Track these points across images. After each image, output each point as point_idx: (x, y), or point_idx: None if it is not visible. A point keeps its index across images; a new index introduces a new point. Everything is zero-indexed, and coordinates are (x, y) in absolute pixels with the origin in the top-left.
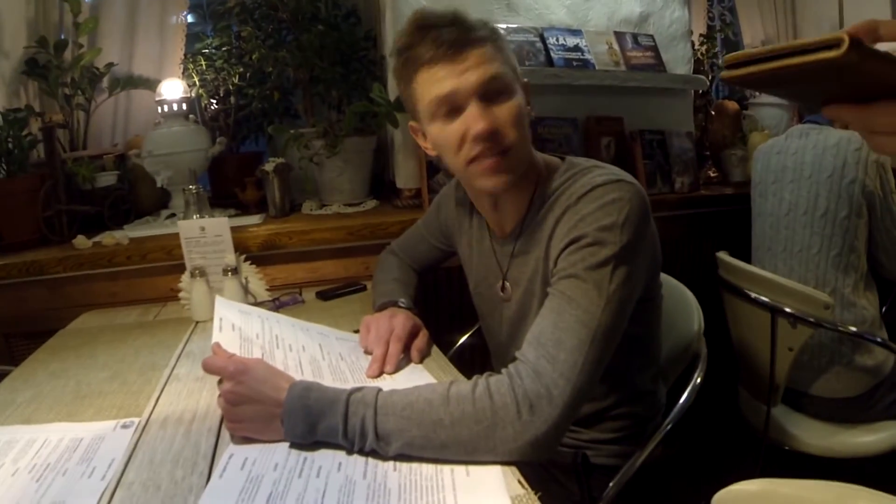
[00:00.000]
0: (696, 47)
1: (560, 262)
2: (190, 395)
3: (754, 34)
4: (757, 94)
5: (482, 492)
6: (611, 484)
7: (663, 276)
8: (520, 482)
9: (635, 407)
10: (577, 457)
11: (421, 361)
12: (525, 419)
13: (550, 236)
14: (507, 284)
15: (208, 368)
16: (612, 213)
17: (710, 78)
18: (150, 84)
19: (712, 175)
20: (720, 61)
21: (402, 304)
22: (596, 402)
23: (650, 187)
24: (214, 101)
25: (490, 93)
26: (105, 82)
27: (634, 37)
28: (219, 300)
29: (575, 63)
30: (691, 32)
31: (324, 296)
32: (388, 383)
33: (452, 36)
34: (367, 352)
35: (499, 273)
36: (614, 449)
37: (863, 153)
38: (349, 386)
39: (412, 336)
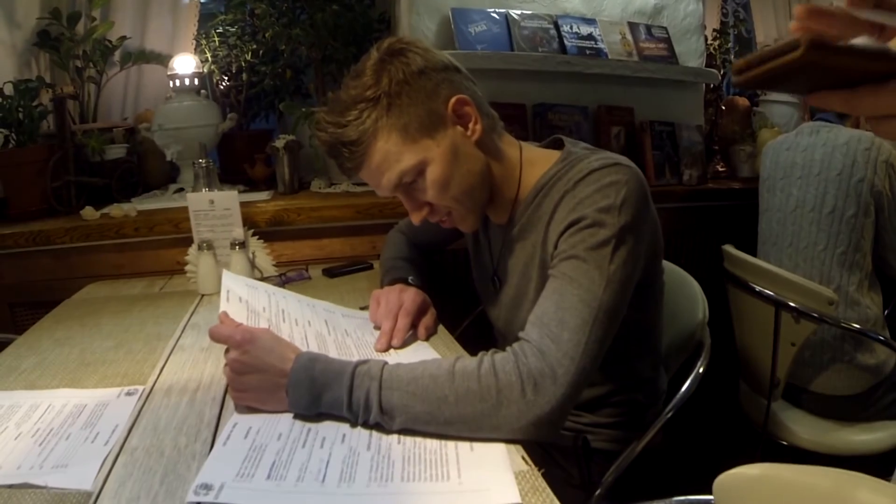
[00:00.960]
0: (709, 42)
1: (560, 244)
2: (195, 365)
3: (767, 32)
4: (766, 91)
5: (486, 467)
6: (611, 468)
7: (668, 265)
8: (524, 458)
9: (635, 393)
10: (578, 440)
11: (428, 339)
12: (529, 398)
13: (549, 221)
14: (498, 274)
15: (215, 336)
16: (611, 195)
17: (721, 73)
18: (162, 59)
19: (720, 169)
20: (732, 57)
21: (411, 282)
22: (596, 387)
23: (658, 178)
24: (226, 78)
25: (403, 185)
26: (117, 56)
27: (648, 28)
28: (226, 274)
29: (588, 51)
30: (704, 27)
31: (330, 273)
32: (393, 358)
33: (351, 164)
34: (376, 326)
35: (490, 264)
36: (614, 434)
37: (873, 153)
38: (353, 359)
39: (421, 312)
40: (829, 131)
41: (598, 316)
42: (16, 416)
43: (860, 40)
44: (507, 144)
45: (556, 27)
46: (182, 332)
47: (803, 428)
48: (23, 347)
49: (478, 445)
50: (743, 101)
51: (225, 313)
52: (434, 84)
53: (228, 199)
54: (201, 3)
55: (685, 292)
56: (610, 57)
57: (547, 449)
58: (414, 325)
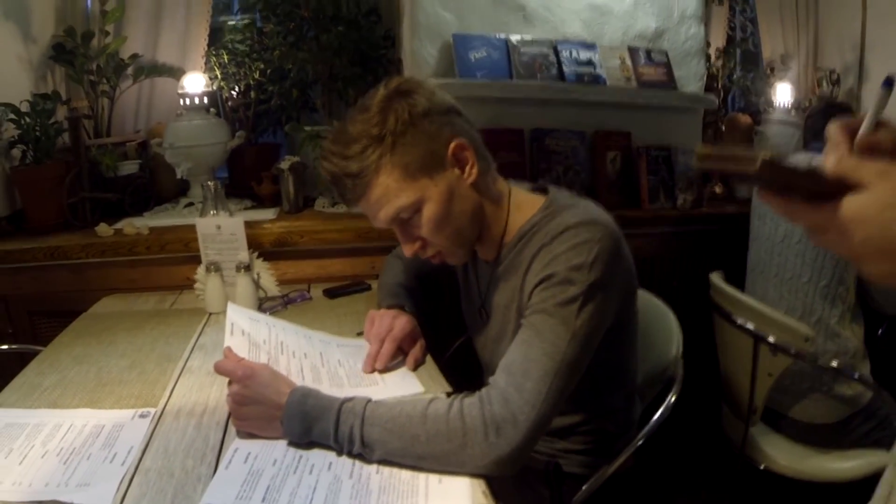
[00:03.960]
0: (713, 61)
1: (533, 296)
2: (201, 389)
3: (774, 47)
4: (771, 109)
5: (450, 499)
6: (583, 487)
7: (648, 298)
8: (483, 493)
9: (606, 423)
10: (550, 465)
11: (415, 369)
12: (491, 441)
13: (527, 270)
14: (485, 307)
15: (220, 371)
16: (583, 254)
17: (721, 94)
18: (174, 72)
19: (717, 192)
20: (736, 76)
21: (406, 309)
22: (568, 416)
23: (652, 202)
24: (235, 93)
25: (400, 219)
26: (130, 69)
27: (648, 52)
28: (231, 307)
29: (586, 78)
30: (708, 45)
31: (331, 293)
32: (380, 389)
33: (351, 195)
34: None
35: (478, 297)
36: (585, 459)
37: None
38: (345, 391)
39: (411, 339)
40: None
41: (559, 368)
42: (41, 434)
43: (808, 161)
44: (498, 187)
45: (556, 53)
46: (190, 353)
47: (781, 453)
48: (45, 364)
49: (446, 478)
50: (745, 119)
51: (229, 349)
52: (437, 127)
53: (234, 225)
54: (212, 17)
55: (663, 325)
56: (608, 83)
57: (521, 472)
58: (403, 352)
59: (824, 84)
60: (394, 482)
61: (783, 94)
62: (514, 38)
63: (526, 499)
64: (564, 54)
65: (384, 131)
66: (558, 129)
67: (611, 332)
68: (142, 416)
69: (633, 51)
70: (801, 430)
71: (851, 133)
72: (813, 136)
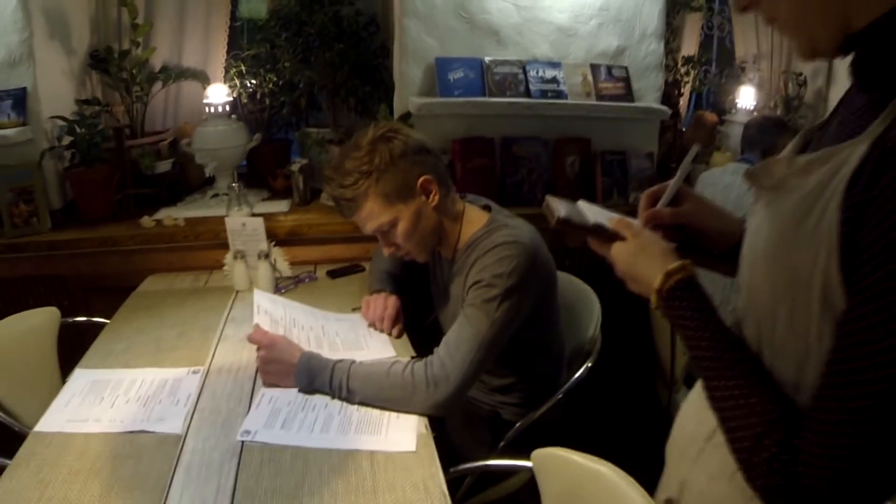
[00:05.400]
0: (679, 66)
1: (469, 293)
2: (236, 352)
3: (747, 48)
4: (735, 109)
5: (403, 428)
6: (512, 430)
7: (580, 285)
8: (426, 426)
9: (535, 384)
10: (491, 413)
11: (399, 336)
12: (431, 392)
13: (468, 273)
14: (446, 294)
15: (252, 341)
16: (503, 265)
17: (691, 96)
18: (198, 75)
19: None
20: (711, 74)
21: (389, 292)
22: (505, 378)
23: (606, 199)
24: (252, 98)
25: (381, 231)
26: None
27: (609, 69)
28: (256, 292)
29: (550, 94)
30: (676, 52)
31: (332, 274)
32: (364, 353)
33: (346, 212)
34: (370, 324)
35: (441, 285)
36: (519, 411)
37: None
38: (340, 354)
39: (398, 315)
40: None
41: (481, 345)
42: (122, 387)
43: (604, 215)
44: (456, 207)
45: (524, 72)
46: (224, 324)
47: None
48: (112, 334)
49: (402, 416)
50: (712, 118)
51: (257, 325)
52: (410, 165)
53: (256, 223)
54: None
55: (586, 309)
56: (570, 98)
57: (470, 418)
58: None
59: (791, 86)
60: (368, 416)
61: (746, 96)
62: (488, 59)
63: (475, 438)
64: (532, 73)
65: (371, 168)
66: (524, 137)
67: (532, 318)
68: (194, 372)
69: (594, 67)
70: None
71: (654, 200)
72: (748, 146)
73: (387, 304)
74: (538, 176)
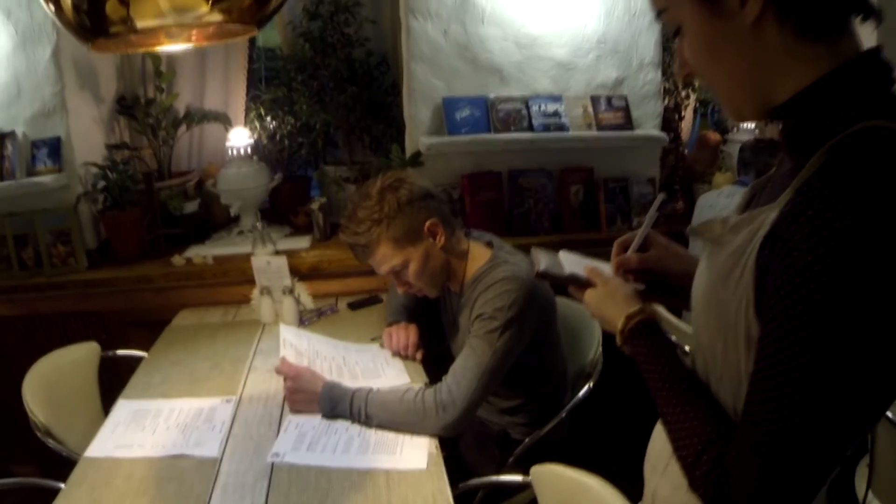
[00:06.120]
0: (680, 89)
1: (474, 325)
2: (265, 383)
3: None
4: (736, 128)
5: (415, 448)
6: (520, 447)
7: (581, 312)
8: (436, 446)
9: (540, 405)
10: (500, 433)
11: (421, 360)
12: (440, 415)
13: (473, 306)
14: (455, 325)
15: (279, 372)
16: (504, 299)
17: (695, 115)
18: (219, 117)
19: (678, 208)
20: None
21: (408, 322)
22: (511, 400)
23: (610, 226)
24: (271, 138)
25: (393, 272)
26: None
27: (609, 99)
28: (282, 326)
29: (552, 127)
30: (668, 81)
31: (353, 306)
32: (381, 380)
33: (361, 256)
34: (394, 353)
35: (451, 316)
36: (526, 430)
37: None
38: (359, 382)
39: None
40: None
41: (484, 372)
42: (162, 416)
43: (572, 264)
44: (461, 245)
45: (527, 107)
46: (253, 356)
47: None
48: (150, 366)
49: (416, 438)
50: (715, 137)
51: (284, 358)
52: (417, 210)
53: (279, 262)
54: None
55: (588, 331)
56: (571, 130)
57: (481, 438)
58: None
59: None
60: (384, 439)
61: None
62: (493, 96)
63: (485, 456)
64: (534, 108)
65: (381, 216)
66: (530, 169)
67: (534, 345)
68: (227, 401)
69: (595, 99)
70: None
71: (625, 247)
72: (743, 168)
73: (408, 332)
74: (544, 206)
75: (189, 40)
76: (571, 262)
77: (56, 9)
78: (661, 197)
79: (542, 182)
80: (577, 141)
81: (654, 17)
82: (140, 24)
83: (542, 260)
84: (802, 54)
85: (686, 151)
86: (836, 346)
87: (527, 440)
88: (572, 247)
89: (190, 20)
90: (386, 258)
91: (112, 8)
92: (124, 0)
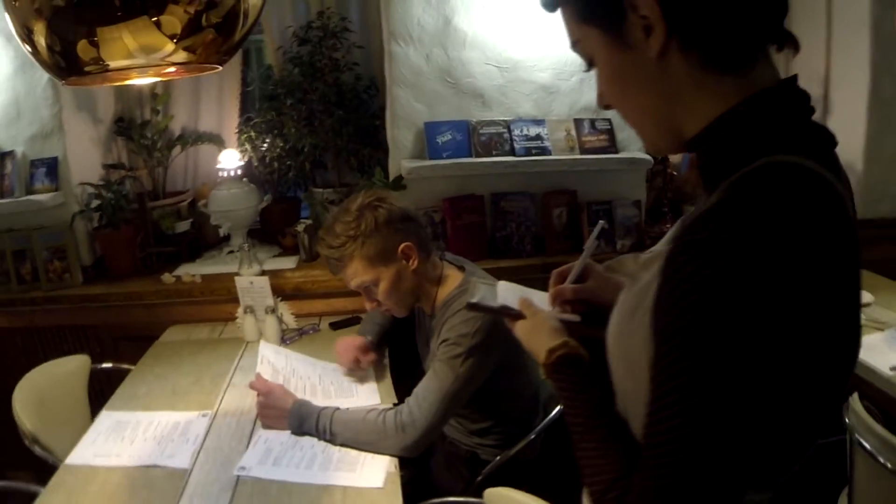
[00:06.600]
0: None
1: (439, 349)
2: (241, 399)
3: None
4: None
5: (374, 466)
6: (486, 467)
7: None
8: (395, 465)
9: (509, 427)
10: (468, 454)
11: (371, 364)
12: (399, 436)
13: (440, 330)
14: (427, 346)
15: (253, 387)
16: (469, 326)
17: None
18: (213, 139)
19: (665, 229)
20: None
21: (368, 337)
22: (480, 423)
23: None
24: (261, 161)
25: (363, 288)
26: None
27: (592, 122)
28: (262, 344)
29: (534, 151)
30: None
31: (334, 326)
32: (353, 399)
33: (334, 269)
34: (347, 370)
35: (423, 337)
36: (495, 451)
37: None
38: (332, 400)
39: (363, 351)
40: None
41: (445, 396)
42: (141, 427)
43: (508, 296)
44: (435, 270)
45: (509, 131)
46: (233, 373)
47: None
48: (136, 379)
49: (377, 457)
50: None
51: (259, 374)
52: (393, 232)
53: (262, 282)
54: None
55: None
56: (553, 153)
57: (450, 458)
58: (360, 362)
59: None
60: (346, 456)
61: None
62: (475, 120)
63: (453, 476)
64: (516, 132)
65: (357, 233)
66: (512, 192)
67: (502, 369)
68: (203, 415)
69: (578, 122)
70: None
71: (563, 277)
72: None
73: (354, 342)
74: (526, 229)
75: (158, 75)
76: (509, 294)
77: (32, 49)
78: (599, 226)
79: (525, 205)
80: (559, 164)
81: (570, 47)
82: (110, 64)
83: (478, 292)
84: (710, 87)
85: (677, 172)
86: (717, 379)
87: (494, 461)
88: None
89: (157, 59)
90: (357, 274)
91: (83, 49)
92: (94, 42)
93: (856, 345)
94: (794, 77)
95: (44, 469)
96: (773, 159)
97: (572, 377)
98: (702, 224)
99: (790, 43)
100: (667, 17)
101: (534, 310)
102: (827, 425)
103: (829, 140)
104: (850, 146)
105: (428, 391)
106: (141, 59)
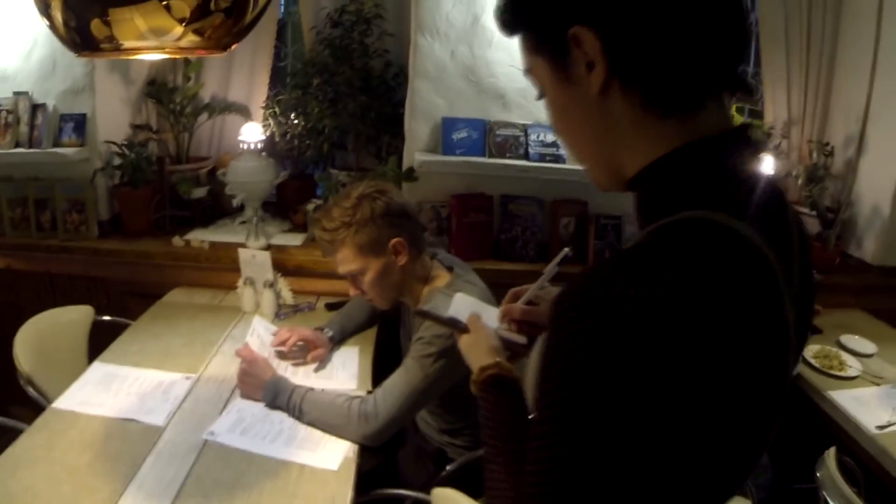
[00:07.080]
0: None
1: (412, 345)
2: (226, 366)
3: (777, 112)
4: None
5: (333, 450)
6: (452, 465)
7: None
8: (355, 451)
9: (479, 430)
10: (436, 451)
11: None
12: (361, 425)
13: (419, 328)
14: (409, 339)
15: (238, 354)
16: (444, 328)
17: None
18: (241, 110)
19: None
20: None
21: (325, 330)
22: (451, 423)
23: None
24: (283, 137)
25: (350, 275)
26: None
27: None
28: (256, 318)
29: (547, 158)
30: None
31: (329, 306)
32: (331, 382)
33: (325, 252)
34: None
35: (406, 331)
36: (463, 451)
37: None
38: (311, 380)
39: (313, 343)
40: None
41: (412, 393)
42: (126, 382)
43: (461, 309)
44: (424, 268)
45: (526, 134)
46: (224, 340)
47: None
48: (131, 336)
49: (340, 441)
50: None
51: (247, 344)
52: (387, 225)
53: (264, 256)
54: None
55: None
56: (567, 162)
57: (419, 452)
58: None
59: (815, 155)
60: (310, 435)
61: (765, 165)
62: (493, 120)
63: (420, 470)
64: (532, 136)
65: (352, 221)
66: (522, 196)
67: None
68: (186, 378)
69: None
70: None
71: (516, 297)
72: None
73: (293, 332)
74: (532, 234)
75: (171, 52)
76: (462, 307)
77: (50, 23)
78: (564, 252)
79: (533, 210)
80: (571, 173)
81: (523, 73)
82: (122, 42)
83: (433, 300)
84: (651, 128)
85: None
86: (588, 424)
87: (458, 461)
88: (554, 279)
89: (167, 42)
90: (346, 260)
91: (97, 28)
92: (107, 22)
93: (767, 411)
94: (745, 126)
95: (35, 411)
96: (695, 214)
97: (496, 398)
98: (597, 273)
99: (743, 90)
100: (608, 55)
101: (479, 325)
102: (731, 489)
103: (772, 196)
104: (880, 187)
105: (395, 386)
106: (152, 40)
